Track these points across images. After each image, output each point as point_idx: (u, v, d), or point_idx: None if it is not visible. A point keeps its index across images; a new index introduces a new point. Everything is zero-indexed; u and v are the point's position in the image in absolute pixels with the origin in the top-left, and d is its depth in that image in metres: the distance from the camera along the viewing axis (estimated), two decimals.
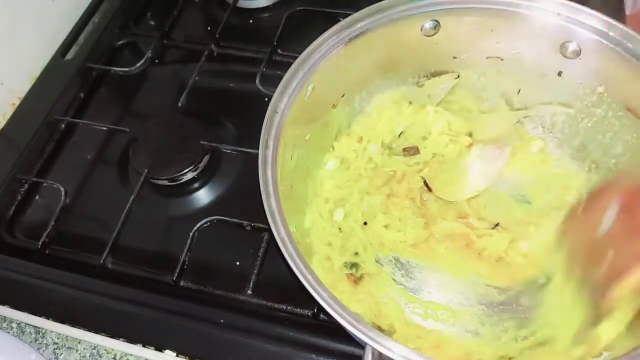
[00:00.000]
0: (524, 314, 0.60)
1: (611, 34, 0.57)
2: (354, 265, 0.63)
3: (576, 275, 0.57)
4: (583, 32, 0.58)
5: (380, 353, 0.44)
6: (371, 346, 0.44)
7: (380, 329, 0.59)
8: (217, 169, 0.76)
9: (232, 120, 0.81)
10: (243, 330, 0.60)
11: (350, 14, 0.60)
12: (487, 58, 0.66)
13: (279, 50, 0.85)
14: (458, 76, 0.68)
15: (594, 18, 0.57)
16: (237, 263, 0.68)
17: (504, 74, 0.66)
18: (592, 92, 0.62)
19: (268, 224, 0.50)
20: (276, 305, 0.64)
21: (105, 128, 0.81)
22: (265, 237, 0.67)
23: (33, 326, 0.66)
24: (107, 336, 0.62)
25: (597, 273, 0.55)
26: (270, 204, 0.51)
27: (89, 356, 0.64)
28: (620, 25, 0.56)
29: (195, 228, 0.68)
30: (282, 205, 0.52)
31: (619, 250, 0.53)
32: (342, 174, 0.68)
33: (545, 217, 0.64)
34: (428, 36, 0.63)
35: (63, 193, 0.73)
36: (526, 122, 0.70)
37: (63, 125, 0.81)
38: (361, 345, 0.46)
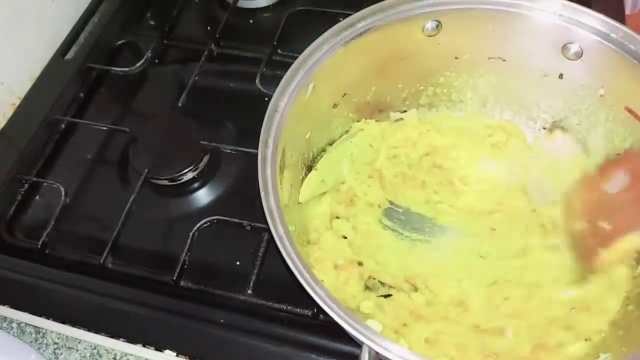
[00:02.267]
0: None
1: (613, 35, 0.57)
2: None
3: (574, 228, 0.60)
4: (585, 33, 0.58)
5: (377, 352, 0.44)
6: (368, 345, 0.44)
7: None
8: (217, 169, 0.76)
9: (232, 120, 0.81)
10: (243, 330, 0.60)
11: (351, 14, 0.60)
12: (489, 59, 0.66)
13: (279, 50, 0.85)
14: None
15: (596, 19, 0.57)
16: (237, 263, 0.68)
17: (506, 74, 0.66)
18: (593, 94, 0.62)
19: (267, 224, 0.50)
20: (276, 305, 0.63)
21: (105, 128, 0.81)
22: (265, 237, 0.67)
23: (33, 326, 0.66)
24: (107, 336, 0.62)
25: (596, 230, 0.58)
26: (269, 203, 0.51)
27: (89, 356, 0.63)
28: (622, 27, 0.56)
29: (195, 228, 0.68)
30: (282, 204, 0.52)
31: (619, 214, 0.57)
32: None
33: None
34: (430, 36, 0.63)
35: (63, 193, 0.73)
36: (525, 122, 0.70)
37: (63, 125, 0.81)
38: (360, 345, 0.46)
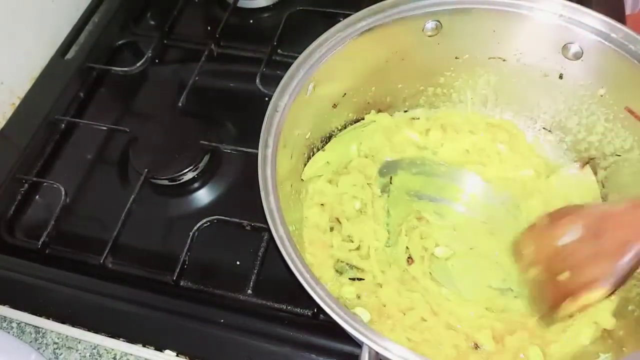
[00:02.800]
0: None
1: (613, 35, 0.57)
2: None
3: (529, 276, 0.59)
4: (585, 33, 0.58)
5: (377, 352, 0.44)
6: (368, 345, 0.44)
7: None
8: (217, 169, 0.76)
9: (232, 120, 0.81)
10: (243, 330, 0.60)
11: (351, 14, 0.60)
12: (489, 59, 0.66)
13: (279, 50, 0.85)
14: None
15: (596, 19, 0.57)
16: (237, 263, 0.68)
17: (506, 74, 0.66)
18: (593, 94, 0.62)
19: (267, 223, 0.50)
20: (276, 305, 0.63)
21: (105, 128, 0.81)
22: (265, 237, 0.67)
23: (33, 326, 0.66)
24: (107, 336, 0.62)
25: (551, 283, 0.56)
26: (269, 203, 0.51)
27: (89, 356, 0.63)
28: (623, 27, 0.56)
29: (195, 228, 0.68)
30: (282, 204, 0.52)
31: (576, 268, 0.54)
32: None
33: None
34: (430, 36, 0.63)
35: (63, 193, 0.73)
36: (525, 122, 0.70)
37: (63, 125, 0.81)
38: (360, 345, 0.46)
